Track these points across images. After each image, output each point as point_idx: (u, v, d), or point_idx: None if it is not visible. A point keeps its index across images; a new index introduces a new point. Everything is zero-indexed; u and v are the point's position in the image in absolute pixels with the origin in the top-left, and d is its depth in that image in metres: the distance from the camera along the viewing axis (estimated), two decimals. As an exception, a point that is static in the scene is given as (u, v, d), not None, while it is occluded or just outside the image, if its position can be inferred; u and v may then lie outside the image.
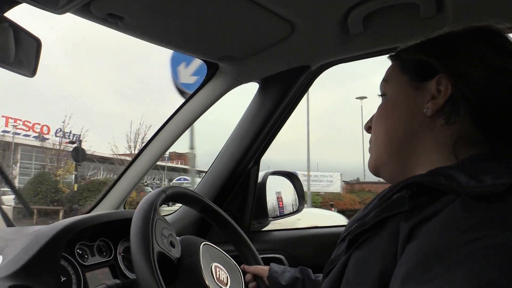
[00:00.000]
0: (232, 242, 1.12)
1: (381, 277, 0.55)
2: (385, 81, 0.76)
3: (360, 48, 1.29)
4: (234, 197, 1.53)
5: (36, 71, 0.86)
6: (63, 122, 22.88)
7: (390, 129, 0.72)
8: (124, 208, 1.54)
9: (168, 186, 0.93)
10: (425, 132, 0.67)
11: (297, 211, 1.82)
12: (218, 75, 1.42)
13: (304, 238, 1.62)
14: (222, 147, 1.54)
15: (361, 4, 1.08)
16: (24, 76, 0.85)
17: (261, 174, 1.63)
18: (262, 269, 1.14)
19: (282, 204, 1.79)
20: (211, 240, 1.46)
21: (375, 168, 0.75)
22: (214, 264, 0.91)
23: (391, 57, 0.78)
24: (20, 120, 30.22)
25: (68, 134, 26.79)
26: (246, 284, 1.08)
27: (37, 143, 26.63)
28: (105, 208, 1.48)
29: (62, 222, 0.94)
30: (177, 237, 0.92)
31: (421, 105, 0.67)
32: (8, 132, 28.24)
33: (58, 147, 22.70)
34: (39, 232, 0.90)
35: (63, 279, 0.91)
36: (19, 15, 0.84)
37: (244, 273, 1.10)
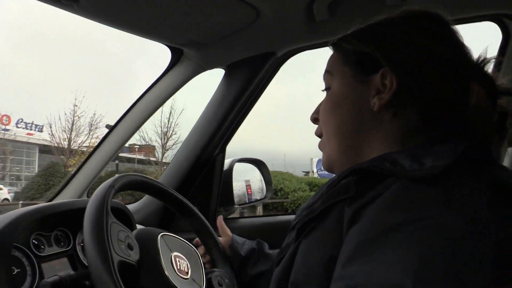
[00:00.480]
0: (192, 227, 1.10)
1: (328, 263, 0.56)
2: (329, 73, 0.75)
3: (326, 35, 1.28)
4: (199, 184, 1.51)
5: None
6: (75, 105, 20.57)
7: (339, 125, 0.70)
8: (88, 197, 1.50)
9: (116, 176, 0.88)
10: (373, 126, 0.67)
11: (265, 197, 1.82)
12: (183, 61, 1.39)
13: (271, 225, 1.63)
14: (188, 135, 1.52)
15: (326, -9, 1.07)
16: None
17: (227, 161, 1.62)
18: (227, 234, 1.18)
19: (251, 191, 1.79)
20: (176, 228, 1.46)
21: (328, 165, 0.75)
22: (174, 254, 0.89)
23: (332, 46, 0.76)
24: (-22, 110, 28.22)
25: (30, 124, 25.46)
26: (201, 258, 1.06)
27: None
28: (67, 197, 1.44)
29: (15, 212, 0.91)
30: (135, 231, 0.89)
31: (367, 100, 0.67)
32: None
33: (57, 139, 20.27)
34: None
35: (16, 270, 0.87)
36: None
37: (197, 247, 1.08)
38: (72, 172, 1.50)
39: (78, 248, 1.06)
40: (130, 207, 1.47)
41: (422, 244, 0.43)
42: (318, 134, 0.78)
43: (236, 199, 1.64)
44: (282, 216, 1.79)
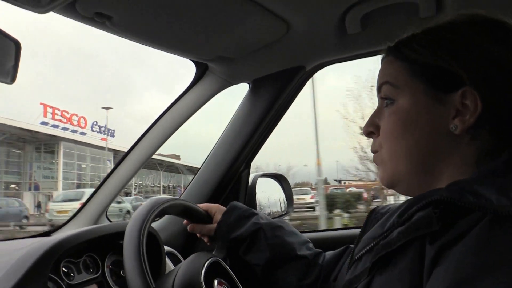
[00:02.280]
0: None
1: None
2: (391, 85, 0.67)
3: (357, 48, 1.25)
4: (224, 202, 1.46)
5: (16, 77, 0.78)
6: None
7: (410, 148, 0.64)
8: (107, 218, 1.45)
9: (149, 207, 0.86)
10: (449, 149, 0.62)
11: (286, 213, 1.77)
12: (207, 76, 1.35)
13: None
14: (212, 150, 1.48)
15: (359, 4, 1.04)
16: (2, 82, 0.77)
17: (250, 177, 1.57)
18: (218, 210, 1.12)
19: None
20: (200, 247, 1.41)
21: (391, 183, 0.69)
22: (216, 282, 0.86)
23: (390, 52, 0.69)
24: (58, 109, 25.92)
25: (104, 128, 24.37)
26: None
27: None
28: (85, 221, 1.38)
29: (49, 241, 0.87)
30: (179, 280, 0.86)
31: (445, 121, 0.61)
32: (47, 124, 24.29)
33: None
34: (24, 253, 0.83)
35: (49, 302, 0.84)
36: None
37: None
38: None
39: (107, 272, 1.02)
40: (155, 225, 1.42)
41: None
42: (375, 150, 0.71)
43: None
44: (308, 233, 1.74)
